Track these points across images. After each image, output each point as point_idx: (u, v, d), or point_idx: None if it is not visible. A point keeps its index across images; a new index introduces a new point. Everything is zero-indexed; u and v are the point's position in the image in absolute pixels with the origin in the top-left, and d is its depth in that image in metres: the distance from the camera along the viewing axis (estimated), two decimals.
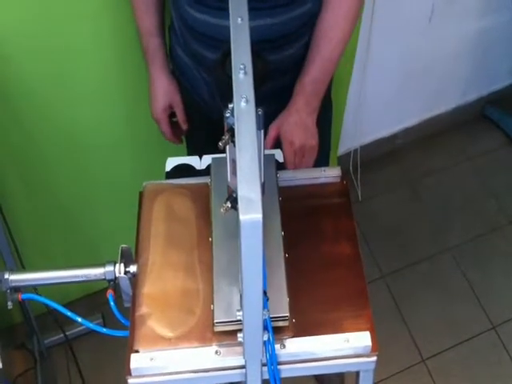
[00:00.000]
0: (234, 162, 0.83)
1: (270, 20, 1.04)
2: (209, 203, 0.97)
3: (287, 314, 0.81)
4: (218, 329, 0.81)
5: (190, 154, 1.39)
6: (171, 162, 1.06)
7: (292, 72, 1.13)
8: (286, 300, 0.82)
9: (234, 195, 0.83)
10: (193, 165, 1.05)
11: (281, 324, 0.81)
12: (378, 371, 0.87)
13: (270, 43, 1.08)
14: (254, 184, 0.67)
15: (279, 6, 1.04)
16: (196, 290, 0.87)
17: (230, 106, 0.85)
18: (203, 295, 0.86)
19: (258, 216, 0.64)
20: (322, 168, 1.04)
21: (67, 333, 1.55)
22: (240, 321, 0.75)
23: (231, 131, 0.80)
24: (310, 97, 1.10)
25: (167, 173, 1.06)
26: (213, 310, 0.82)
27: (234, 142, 0.80)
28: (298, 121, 1.09)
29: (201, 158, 1.07)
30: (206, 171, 1.03)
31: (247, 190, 0.67)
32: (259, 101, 1.10)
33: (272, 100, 1.14)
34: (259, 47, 1.00)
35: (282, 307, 0.82)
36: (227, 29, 0.97)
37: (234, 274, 0.83)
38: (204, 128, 1.22)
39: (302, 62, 1.12)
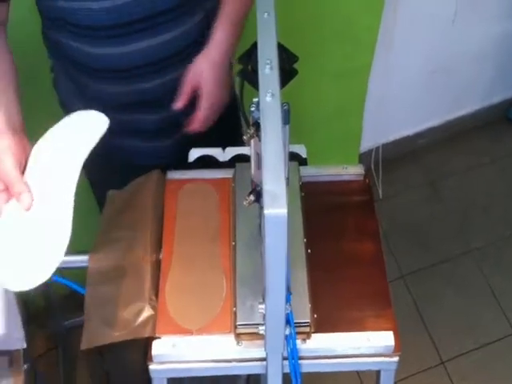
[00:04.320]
0: (258, 155, 0.83)
1: (153, 41, 0.97)
2: (231, 197, 0.97)
3: (308, 320, 0.81)
4: (239, 331, 0.81)
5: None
6: (194, 153, 1.06)
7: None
8: (308, 306, 0.82)
9: (258, 189, 0.83)
10: (216, 156, 1.05)
11: (302, 330, 0.81)
12: (397, 371, 0.87)
13: (153, 66, 1.00)
14: (278, 179, 0.67)
15: (160, 24, 0.96)
16: (219, 282, 0.87)
17: (255, 99, 0.86)
18: (226, 287, 0.86)
19: (283, 211, 0.64)
20: (345, 165, 1.04)
21: None
22: (262, 324, 0.75)
23: (256, 125, 0.80)
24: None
25: (190, 163, 1.06)
26: (235, 312, 0.82)
27: (258, 136, 0.80)
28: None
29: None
30: (229, 163, 1.04)
31: (272, 184, 0.67)
32: (148, 137, 1.07)
33: (162, 134, 1.09)
34: (140, 72, 0.99)
35: (303, 312, 0.81)
36: (131, 55, 0.95)
37: (257, 276, 0.83)
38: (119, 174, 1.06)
39: None
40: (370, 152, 1.95)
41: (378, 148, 1.94)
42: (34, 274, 0.76)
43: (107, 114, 1.05)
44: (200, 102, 1.02)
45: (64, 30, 0.97)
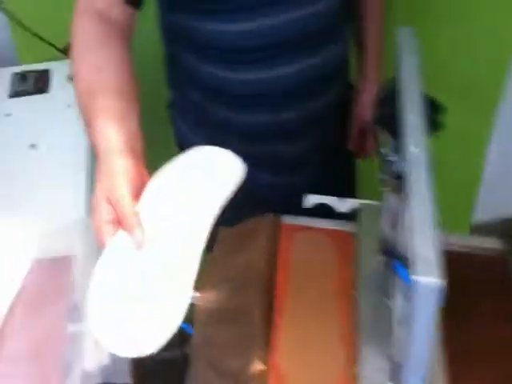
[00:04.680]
0: (394, 212, 0.76)
1: (298, 65, 0.93)
2: (351, 252, 0.90)
3: None
4: None
5: None
6: (311, 199, 1.00)
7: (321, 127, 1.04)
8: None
9: (391, 249, 0.76)
10: (333, 206, 0.99)
11: None
12: None
13: (294, 93, 0.96)
14: (431, 242, 0.60)
15: (308, 48, 0.93)
16: (338, 341, 0.79)
17: (383, 150, 0.79)
18: (344, 354, 0.78)
19: (437, 280, 0.56)
20: (479, 237, 0.95)
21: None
22: None
23: (396, 178, 0.74)
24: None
25: (304, 209, 1.00)
26: (357, 376, 0.74)
27: (399, 190, 0.73)
28: None
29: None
30: (347, 215, 0.97)
31: (424, 247, 0.59)
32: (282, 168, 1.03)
33: (286, 169, 1.06)
34: (277, 100, 0.95)
35: None
36: (274, 80, 0.91)
37: (381, 335, 0.76)
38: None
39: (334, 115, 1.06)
40: (485, 225, 1.80)
41: (495, 222, 1.79)
42: (148, 340, 0.62)
43: (231, 144, 1.02)
44: (369, 134, 1.12)
45: (198, 53, 0.93)
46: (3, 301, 0.88)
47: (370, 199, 0.98)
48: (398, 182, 0.73)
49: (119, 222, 0.67)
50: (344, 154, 1.14)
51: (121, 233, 0.67)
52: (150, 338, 0.61)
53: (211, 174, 0.73)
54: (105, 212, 0.67)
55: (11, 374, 0.81)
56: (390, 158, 0.73)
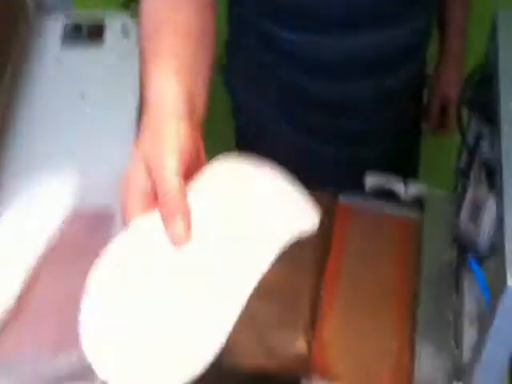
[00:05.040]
0: (475, 205, 0.70)
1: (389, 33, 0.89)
2: (413, 240, 0.85)
3: None
4: None
5: None
6: (370, 180, 0.94)
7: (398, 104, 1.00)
8: None
9: (467, 244, 0.71)
10: (396, 191, 0.93)
11: None
12: None
13: (387, 63, 0.92)
14: None
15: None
16: (389, 337, 0.75)
17: (470, 137, 0.73)
18: (396, 346, 0.74)
19: None
20: None
21: None
22: None
23: (486, 169, 0.68)
24: None
25: (364, 191, 0.95)
26: (412, 370, 0.70)
27: (485, 182, 0.67)
28: None
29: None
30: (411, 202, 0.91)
31: None
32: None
33: (384, 137, 1.03)
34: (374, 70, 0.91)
35: None
36: (353, 49, 0.87)
37: (442, 331, 0.72)
38: None
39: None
40: None
41: None
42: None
43: (300, 114, 0.98)
44: (449, 111, 1.09)
45: (272, 16, 0.88)
46: (35, 251, 0.84)
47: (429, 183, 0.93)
48: (485, 172, 0.67)
49: (156, 200, 0.48)
50: (414, 131, 1.10)
51: (154, 215, 0.47)
52: (166, 376, 0.44)
53: (285, 209, 0.60)
54: (140, 181, 0.48)
55: (34, 326, 0.78)
56: (480, 147, 0.67)
